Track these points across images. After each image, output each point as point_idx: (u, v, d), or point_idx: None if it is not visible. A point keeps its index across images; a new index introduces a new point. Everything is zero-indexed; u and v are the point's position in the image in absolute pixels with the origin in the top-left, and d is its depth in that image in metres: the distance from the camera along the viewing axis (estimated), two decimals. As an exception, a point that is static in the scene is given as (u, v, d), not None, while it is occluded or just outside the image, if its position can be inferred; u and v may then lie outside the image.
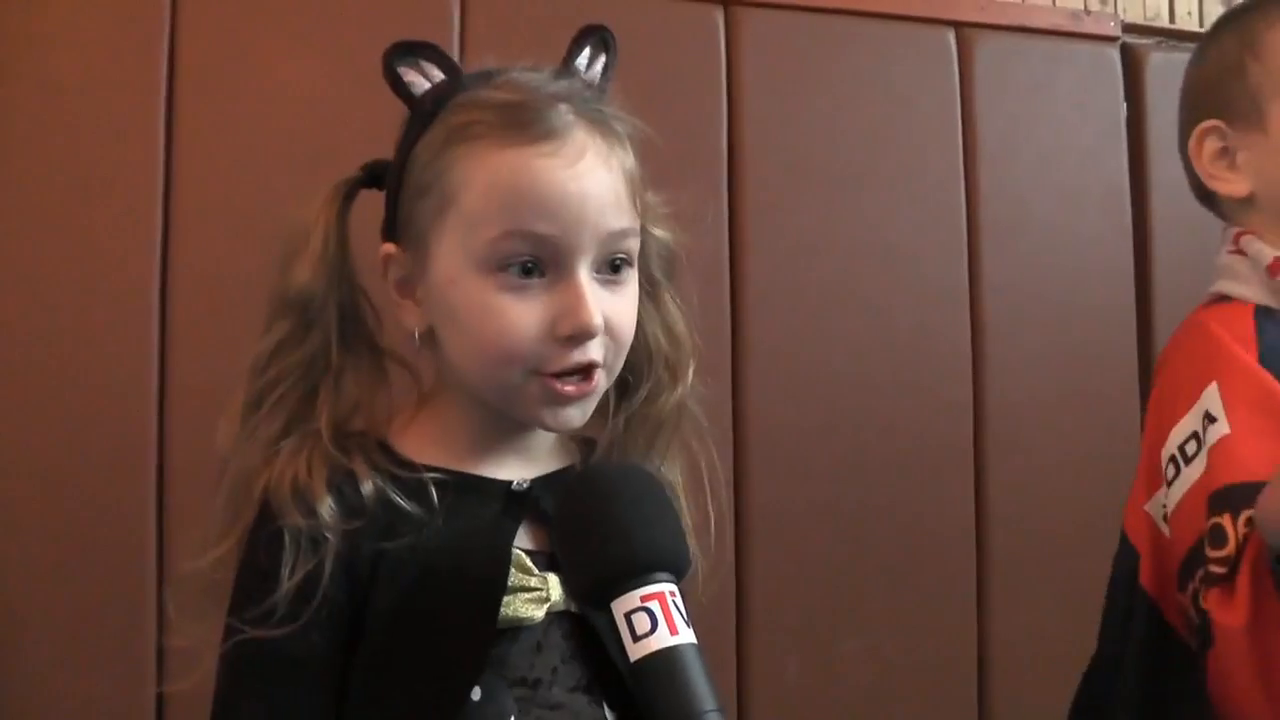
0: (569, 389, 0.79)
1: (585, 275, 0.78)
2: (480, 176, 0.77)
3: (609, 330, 0.79)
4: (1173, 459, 0.92)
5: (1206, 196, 1.12)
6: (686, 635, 0.69)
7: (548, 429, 0.84)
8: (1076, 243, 1.87)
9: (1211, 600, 0.83)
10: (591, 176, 0.78)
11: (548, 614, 0.80)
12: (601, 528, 0.72)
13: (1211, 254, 1.90)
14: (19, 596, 1.40)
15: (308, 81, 1.55)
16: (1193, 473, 0.89)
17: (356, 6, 1.59)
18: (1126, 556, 1.02)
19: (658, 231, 0.89)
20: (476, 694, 0.76)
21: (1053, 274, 1.85)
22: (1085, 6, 1.99)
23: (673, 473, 0.91)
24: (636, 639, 0.69)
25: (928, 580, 1.74)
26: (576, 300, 0.77)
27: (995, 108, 1.85)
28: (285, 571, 0.74)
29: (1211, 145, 1.07)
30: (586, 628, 0.81)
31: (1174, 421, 0.94)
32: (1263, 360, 0.92)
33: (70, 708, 1.40)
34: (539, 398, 0.79)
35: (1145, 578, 0.99)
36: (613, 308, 0.80)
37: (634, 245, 0.82)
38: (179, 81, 1.51)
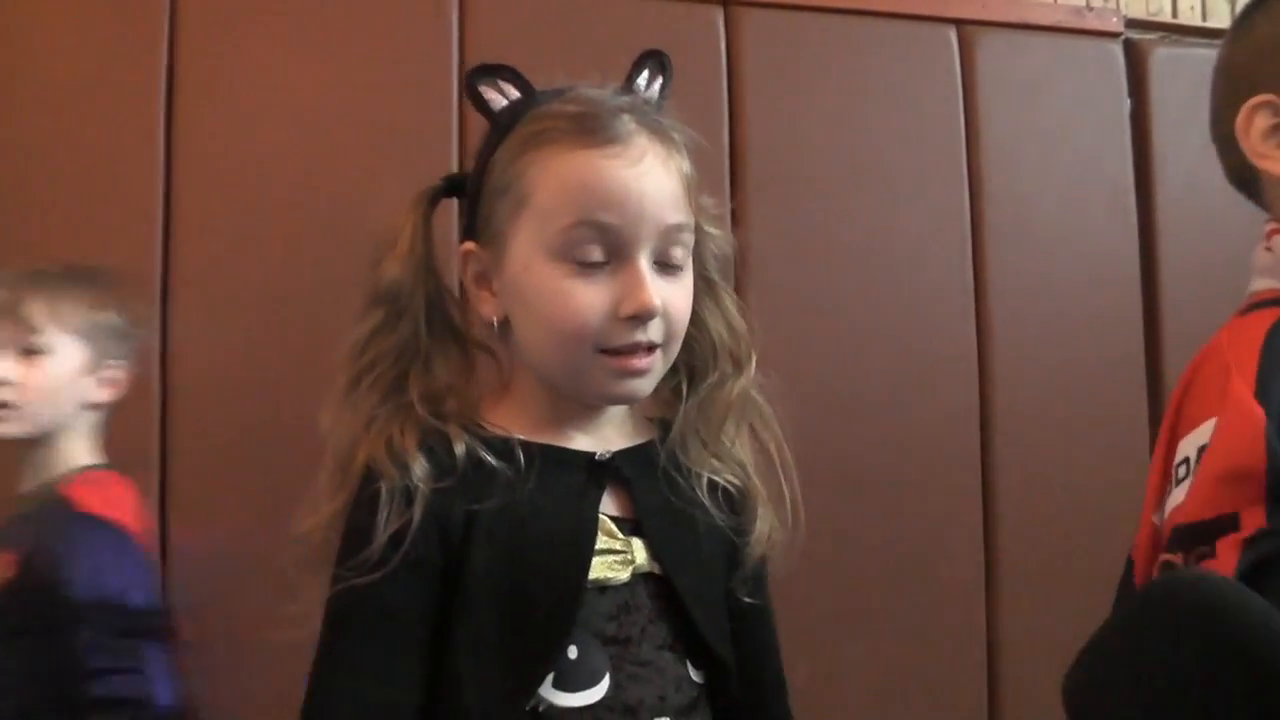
0: (632, 362, 0.87)
1: (645, 264, 0.86)
2: (553, 176, 0.86)
3: (666, 314, 0.87)
4: (1172, 472, 0.93)
5: (1246, 182, 1.05)
6: None
7: (615, 402, 0.92)
8: (1082, 240, 1.86)
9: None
10: (651, 176, 0.87)
11: (633, 575, 0.87)
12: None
13: (1219, 251, 1.89)
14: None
15: (306, 86, 1.55)
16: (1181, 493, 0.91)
17: (355, 12, 1.58)
18: (1125, 572, 1.02)
19: (712, 230, 0.98)
20: (573, 652, 0.83)
21: (1058, 273, 1.84)
22: (1088, 2, 1.98)
23: (743, 453, 1.00)
24: None
25: (936, 585, 1.73)
26: (638, 285, 0.85)
27: (998, 105, 1.84)
28: (380, 524, 0.82)
29: (1262, 121, 0.99)
30: (671, 589, 0.88)
31: (1184, 435, 0.94)
32: (1259, 387, 0.90)
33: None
34: (605, 373, 0.87)
35: (1138, 577, 1.00)
36: (669, 294, 0.87)
37: (689, 240, 0.90)
38: (178, 86, 1.51)
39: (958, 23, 1.85)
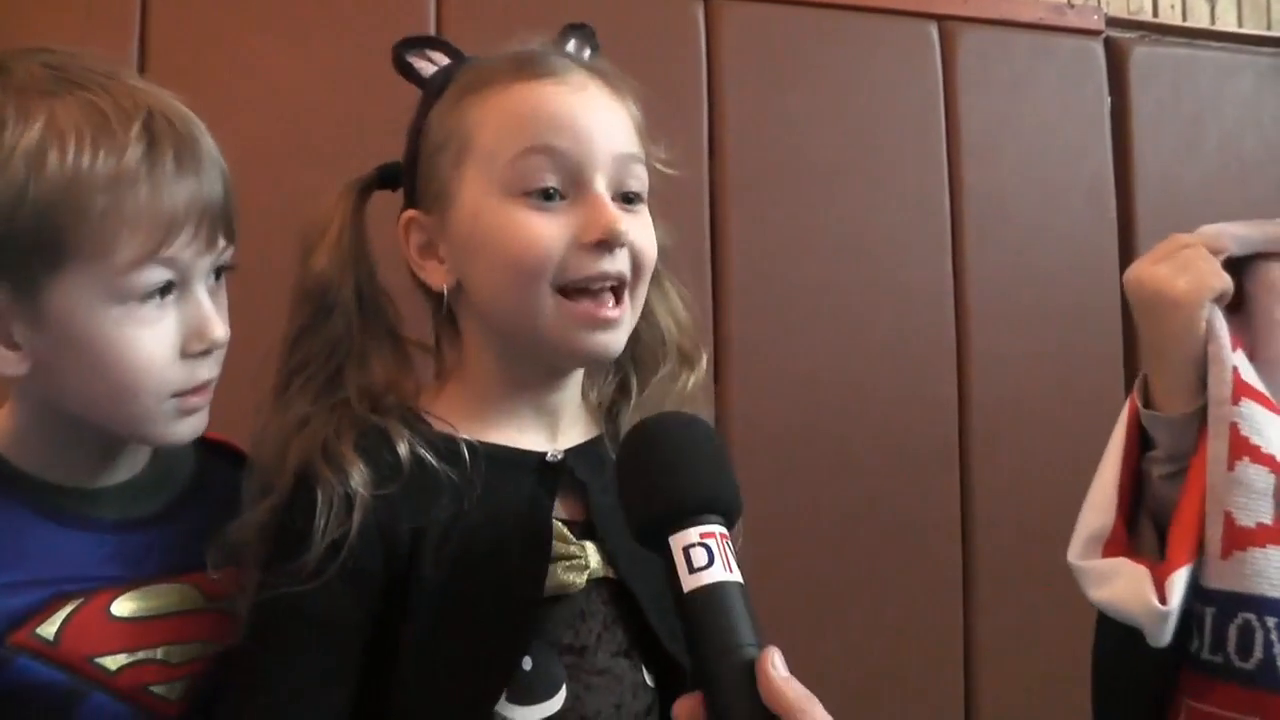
0: (601, 311, 0.82)
1: (604, 190, 0.82)
2: (495, 111, 0.83)
3: (631, 248, 0.83)
4: None
5: None
6: (737, 575, 0.72)
7: (585, 359, 0.87)
8: (1061, 237, 1.86)
9: None
10: (599, 102, 0.84)
11: (588, 581, 0.83)
12: (669, 467, 0.75)
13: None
14: None
15: (280, 75, 1.53)
16: None
17: (329, 0, 1.56)
18: None
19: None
20: (528, 663, 0.79)
21: (1037, 268, 1.84)
22: (1069, 0, 1.98)
23: None
24: (692, 571, 0.71)
25: (913, 580, 1.73)
26: (599, 210, 0.81)
27: (978, 102, 1.84)
28: (318, 532, 0.77)
29: None
30: (625, 593, 0.85)
31: None
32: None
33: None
34: (570, 322, 0.82)
35: None
36: (632, 227, 0.83)
37: (644, 174, 0.87)
38: (149, 75, 1.48)
39: (939, 18, 1.84)
